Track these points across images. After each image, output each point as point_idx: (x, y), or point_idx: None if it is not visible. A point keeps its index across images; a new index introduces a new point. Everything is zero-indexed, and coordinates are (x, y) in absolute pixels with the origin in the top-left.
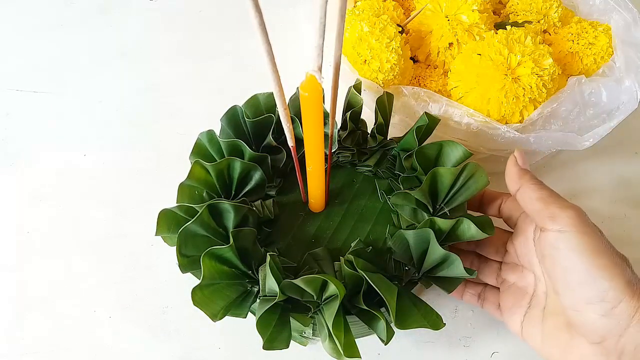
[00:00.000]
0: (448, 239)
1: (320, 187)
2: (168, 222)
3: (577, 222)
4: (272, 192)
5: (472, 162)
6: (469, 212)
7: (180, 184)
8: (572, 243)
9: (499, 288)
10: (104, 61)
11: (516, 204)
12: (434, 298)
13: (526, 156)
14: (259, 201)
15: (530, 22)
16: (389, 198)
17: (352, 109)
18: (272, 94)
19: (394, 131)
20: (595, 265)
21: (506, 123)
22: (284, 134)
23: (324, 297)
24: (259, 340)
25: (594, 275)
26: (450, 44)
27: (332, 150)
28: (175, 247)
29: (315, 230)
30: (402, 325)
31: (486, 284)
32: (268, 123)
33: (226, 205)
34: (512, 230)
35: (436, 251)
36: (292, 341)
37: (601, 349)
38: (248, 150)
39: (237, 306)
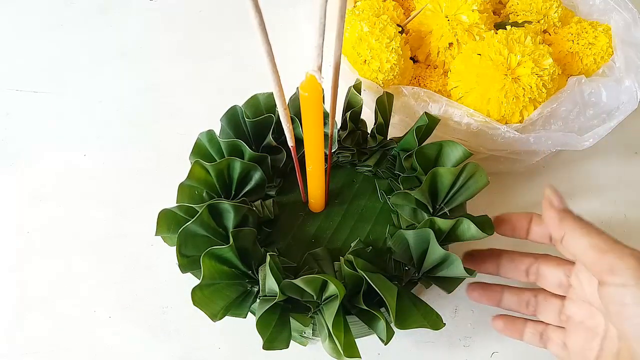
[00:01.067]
0: (448, 239)
1: (320, 187)
2: (168, 222)
3: None
4: (272, 192)
5: (472, 162)
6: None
7: (180, 184)
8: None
9: (562, 327)
10: (104, 61)
11: (551, 223)
12: (434, 298)
13: (526, 155)
14: (259, 201)
15: (530, 22)
16: (389, 198)
17: (352, 109)
18: (272, 94)
19: (394, 131)
20: None
21: (506, 123)
22: (284, 134)
23: (323, 297)
24: (259, 340)
25: None
26: (450, 44)
27: (332, 150)
28: (175, 247)
29: (315, 230)
30: (402, 325)
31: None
32: (268, 123)
33: (226, 205)
34: (574, 261)
35: (436, 251)
36: (292, 341)
37: None
38: (248, 150)
39: (237, 306)
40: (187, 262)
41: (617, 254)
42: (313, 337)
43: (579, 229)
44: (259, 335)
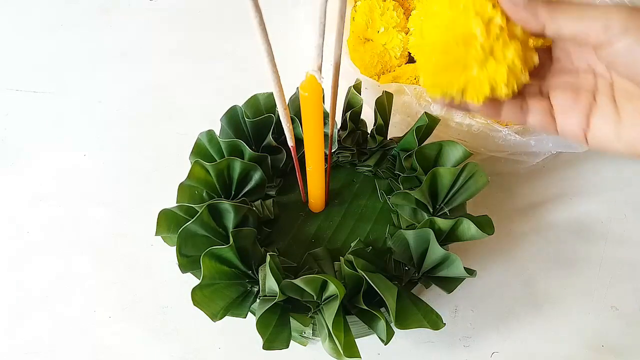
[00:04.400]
0: (448, 239)
1: (320, 187)
2: (168, 222)
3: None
4: (272, 192)
5: (472, 162)
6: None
7: (180, 184)
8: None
9: (541, 97)
10: (104, 61)
11: None
12: (434, 298)
13: (527, 156)
14: (259, 201)
15: None
16: (389, 198)
17: (352, 109)
18: (272, 94)
19: (394, 131)
20: None
21: (506, 125)
22: (284, 134)
23: (323, 297)
24: (259, 340)
25: None
26: None
27: (332, 150)
28: (175, 247)
29: (315, 230)
30: (402, 325)
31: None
32: (268, 123)
33: (226, 205)
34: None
35: (436, 251)
36: (292, 341)
37: None
38: (248, 150)
39: (237, 306)
40: (187, 262)
41: (602, 12)
42: (313, 337)
43: (556, 12)
44: (259, 335)
